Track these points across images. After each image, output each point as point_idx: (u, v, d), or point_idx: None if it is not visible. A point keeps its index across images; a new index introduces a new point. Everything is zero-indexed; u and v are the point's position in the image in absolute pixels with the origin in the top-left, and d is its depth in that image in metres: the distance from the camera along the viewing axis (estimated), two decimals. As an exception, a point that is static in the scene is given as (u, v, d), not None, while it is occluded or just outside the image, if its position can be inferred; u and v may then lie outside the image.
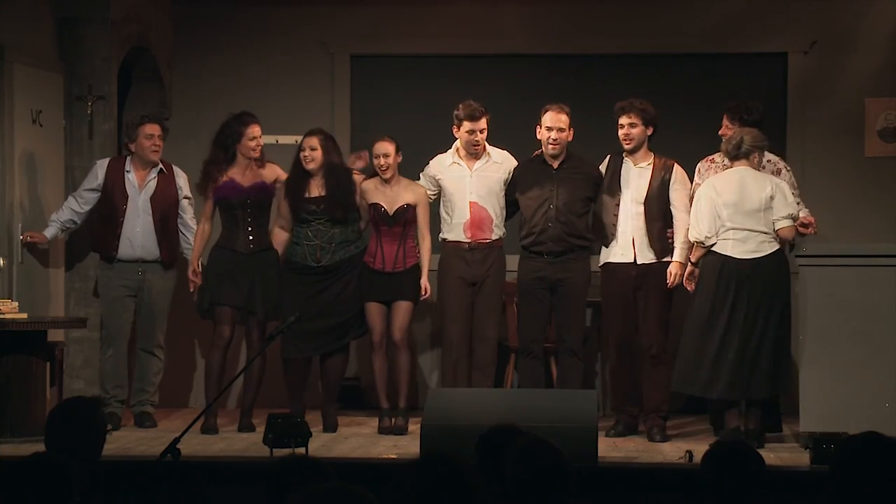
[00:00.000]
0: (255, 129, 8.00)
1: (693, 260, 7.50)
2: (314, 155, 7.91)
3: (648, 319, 7.75)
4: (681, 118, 9.17)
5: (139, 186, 8.14)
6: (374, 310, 7.93)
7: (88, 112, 8.52)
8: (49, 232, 8.17)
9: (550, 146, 7.82)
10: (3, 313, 7.44)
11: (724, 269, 7.31)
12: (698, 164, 7.98)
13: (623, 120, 7.80)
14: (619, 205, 7.78)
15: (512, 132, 9.12)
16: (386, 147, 7.91)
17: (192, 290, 8.08)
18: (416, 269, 7.95)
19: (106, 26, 8.54)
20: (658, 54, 9.35)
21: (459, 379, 7.85)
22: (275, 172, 8.08)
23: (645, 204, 7.76)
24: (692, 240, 7.47)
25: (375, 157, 7.92)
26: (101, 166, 8.19)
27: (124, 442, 7.37)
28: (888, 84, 9.17)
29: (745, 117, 7.75)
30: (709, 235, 7.35)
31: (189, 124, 9.25)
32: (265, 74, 9.43)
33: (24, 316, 7.58)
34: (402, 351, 7.94)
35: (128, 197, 8.12)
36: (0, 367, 7.37)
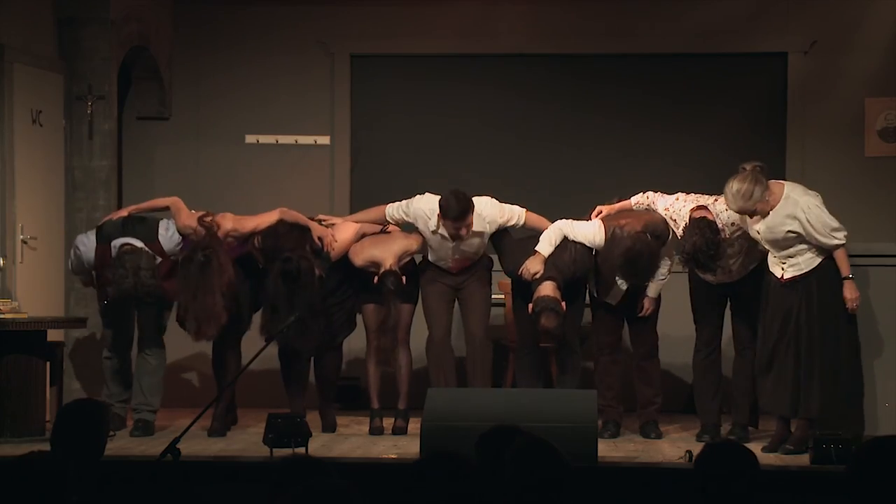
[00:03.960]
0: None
1: (849, 272, 6.99)
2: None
3: (646, 322, 7.74)
4: (681, 118, 9.18)
5: None
6: (372, 311, 7.90)
7: (88, 112, 8.52)
8: None
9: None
10: (3, 313, 7.44)
11: None
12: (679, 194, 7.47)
13: None
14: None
15: (510, 133, 9.13)
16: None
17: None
18: (413, 266, 7.89)
19: (106, 26, 8.54)
20: (658, 54, 9.35)
21: (447, 379, 7.80)
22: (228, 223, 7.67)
23: None
24: (843, 241, 6.98)
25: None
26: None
27: (124, 442, 7.36)
28: (888, 84, 9.17)
29: None
30: None
31: (189, 124, 9.25)
32: (265, 74, 9.44)
33: (24, 316, 7.58)
34: (403, 351, 7.90)
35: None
36: (0, 367, 7.38)
